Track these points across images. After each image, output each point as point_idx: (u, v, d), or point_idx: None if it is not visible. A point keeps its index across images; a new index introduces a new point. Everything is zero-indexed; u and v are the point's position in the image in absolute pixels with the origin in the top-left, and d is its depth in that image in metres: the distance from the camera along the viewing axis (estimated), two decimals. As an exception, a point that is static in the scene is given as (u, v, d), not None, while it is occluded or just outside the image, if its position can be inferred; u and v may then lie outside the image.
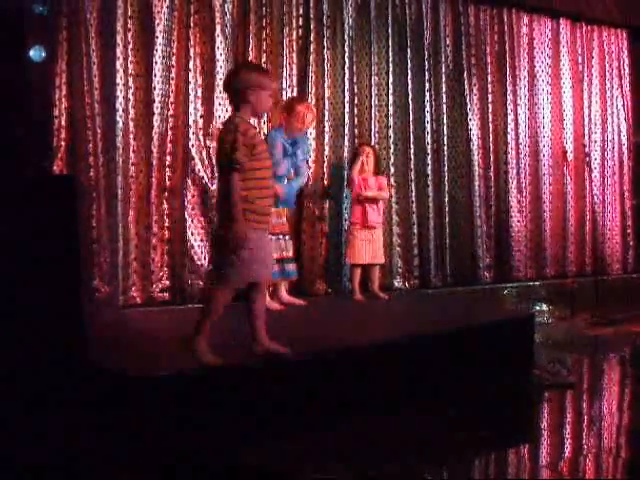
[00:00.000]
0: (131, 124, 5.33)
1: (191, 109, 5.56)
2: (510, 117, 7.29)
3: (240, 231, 3.38)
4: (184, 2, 5.55)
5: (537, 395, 4.31)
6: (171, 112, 5.48)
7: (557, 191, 7.61)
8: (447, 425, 3.66)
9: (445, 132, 6.88)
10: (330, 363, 3.75)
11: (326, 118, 6.21)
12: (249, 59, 5.76)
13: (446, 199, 6.87)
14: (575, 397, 4.36)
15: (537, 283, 7.31)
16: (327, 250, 6.22)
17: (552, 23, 7.66)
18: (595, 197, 7.85)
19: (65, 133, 5.06)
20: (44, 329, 3.26)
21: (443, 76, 6.88)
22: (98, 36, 5.17)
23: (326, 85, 6.23)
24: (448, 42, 6.95)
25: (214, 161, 5.56)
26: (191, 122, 5.56)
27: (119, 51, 5.24)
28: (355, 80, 6.38)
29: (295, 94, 6.01)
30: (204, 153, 5.62)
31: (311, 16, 6.16)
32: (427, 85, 6.76)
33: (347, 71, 6.32)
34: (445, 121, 6.88)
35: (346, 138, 6.30)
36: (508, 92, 7.29)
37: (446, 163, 6.89)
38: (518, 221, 7.31)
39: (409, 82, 6.67)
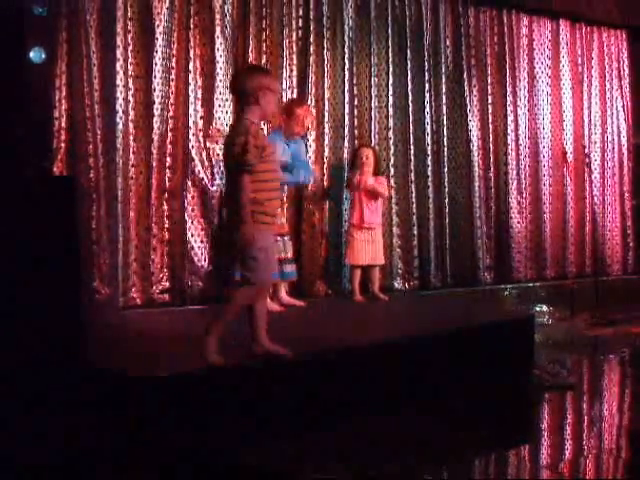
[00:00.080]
0: (131, 125, 5.33)
1: (191, 110, 5.56)
2: (510, 118, 7.29)
3: (248, 233, 3.39)
4: (184, 4, 5.54)
5: (537, 396, 4.31)
6: (171, 113, 5.47)
7: (557, 192, 7.60)
8: (447, 425, 3.66)
9: (445, 133, 6.88)
10: (330, 363, 3.75)
11: (326, 119, 6.21)
12: (249, 61, 5.77)
13: (446, 200, 6.87)
14: (575, 398, 4.36)
15: (537, 284, 7.31)
16: (327, 251, 6.22)
17: (552, 24, 7.66)
18: (595, 198, 7.84)
19: (65, 134, 5.05)
20: (44, 329, 3.27)
21: (443, 77, 6.87)
22: (98, 37, 5.16)
23: (326, 86, 6.23)
24: (448, 43, 6.95)
25: (214, 162, 5.58)
26: (191, 123, 5.55)
27: (119, 52, 5.24)
28: (355, 81, 6.38)
29: (295, 95, 6.02)
30: (204, 154, 5.61)
31: (311, 17, 6.16)
32: (427, 86, 6.76)
33: (347, 72, 6.32)
34: (445, 122, 6.87)
35: (346, 139, 6.29)
36: (508, 93, 7.29)
37: (446, 164, 6.89)
38: (518, 222, 7.31)
39: (409, 83, 6.67)
